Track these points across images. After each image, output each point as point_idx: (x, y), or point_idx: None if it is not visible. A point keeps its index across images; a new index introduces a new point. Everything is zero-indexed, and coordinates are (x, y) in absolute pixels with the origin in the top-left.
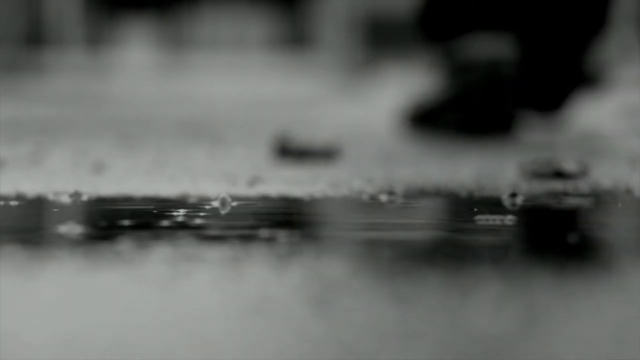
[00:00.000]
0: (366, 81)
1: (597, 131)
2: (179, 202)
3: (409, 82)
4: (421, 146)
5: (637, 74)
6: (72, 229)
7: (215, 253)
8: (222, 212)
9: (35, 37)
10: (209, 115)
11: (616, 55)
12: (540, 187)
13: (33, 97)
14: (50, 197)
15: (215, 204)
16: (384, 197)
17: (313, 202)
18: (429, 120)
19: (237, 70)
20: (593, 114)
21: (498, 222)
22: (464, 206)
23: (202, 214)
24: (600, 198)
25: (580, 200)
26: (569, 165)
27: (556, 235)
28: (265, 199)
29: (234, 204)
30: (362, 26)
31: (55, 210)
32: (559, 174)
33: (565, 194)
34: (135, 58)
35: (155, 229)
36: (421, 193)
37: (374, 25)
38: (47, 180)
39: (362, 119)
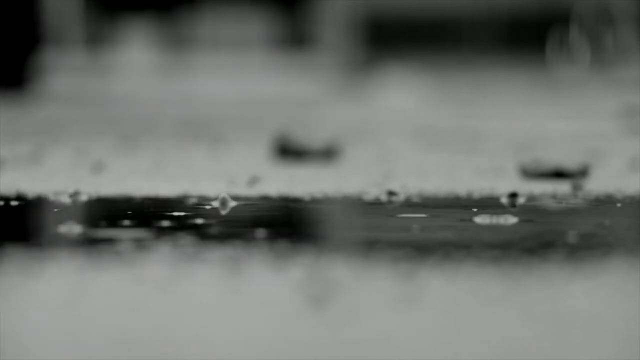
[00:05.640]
0: (366, 81)
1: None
2: (179, 202)
3: (408, 82)
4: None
5: (637, 74)
6: (72, 229)
7: (215, 253)
8: (222, 212)
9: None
10: (209, 115)
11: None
12: (540, 187)
13: (33, 97)
14: (50, 197)
15: (215, 204)
16: (384, 197)
17: (313, 202)
18: None
19: (237, 70)
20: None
21: (499, 222)
22: (464, 206)
23: (202, 214)
24: (599, 198)
25: (580, 201)
26: (569, 165)
27: (556, 235)
28: (265, 199)
29: (234, 204)
30: (362, 27)
31: (55, 210)
32: (559, 174)
33: (565, 194)
34: (135, 58)
35: (155, 229)
36: (421, 193)
37: (373, 25)
38: (47, 180)
39: (362, 119)
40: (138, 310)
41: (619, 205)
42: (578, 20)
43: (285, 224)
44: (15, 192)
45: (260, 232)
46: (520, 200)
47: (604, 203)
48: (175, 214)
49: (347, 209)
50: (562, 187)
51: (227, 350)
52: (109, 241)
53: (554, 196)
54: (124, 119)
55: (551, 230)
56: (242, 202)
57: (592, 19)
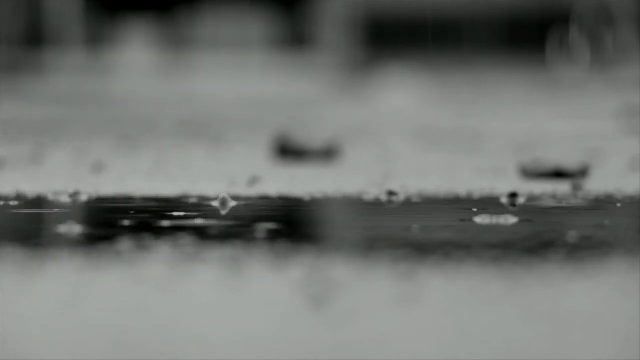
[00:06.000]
0: (366, 81)
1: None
2: (179, 202)
3: (408, 82)
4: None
5: (637, 74)
6: (72, 229)
7: (215, 253)
8: (222, 212)
9: (35, 37)
10: (209, 115)
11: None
12: (540, 187)
13: (33, 97)
14: (50, 197)
15: (215, 204)
16: (384, 197)
17: (313, 202)
18: None
19: (237, 70)
20: None
21: (499, 222)
22: (464, 206)
23: (202, 213)
24: (599, 198)
25: (580, 201)
26: (569, 165)
27: (556, 235)
28: (265, 199)
29: (234, 204)
30: (362, 27)
31: (55, 210)
32: (559, 174)
33: (565, 194)
34: (135, 58)
35: (155, 229)
36: (421, 193)
37: (374, 25)
38: (47, 180)
39: (362, 119)
40: (138, 310)
41: (619, 205)
42: (578, 20)
43: (285, 224)
44: (15, 192)
45: (260, 232)
46: (520, 200)
47: (604, 203)
48: (175, 214)
49: (347, 209)
50: (562, 187)
51: (227, 350)
52: (109, 241)
53: (554, 196)
54: (124, 119)
55: (551, 230)
56: (242, 202)
57: (592, 19)
